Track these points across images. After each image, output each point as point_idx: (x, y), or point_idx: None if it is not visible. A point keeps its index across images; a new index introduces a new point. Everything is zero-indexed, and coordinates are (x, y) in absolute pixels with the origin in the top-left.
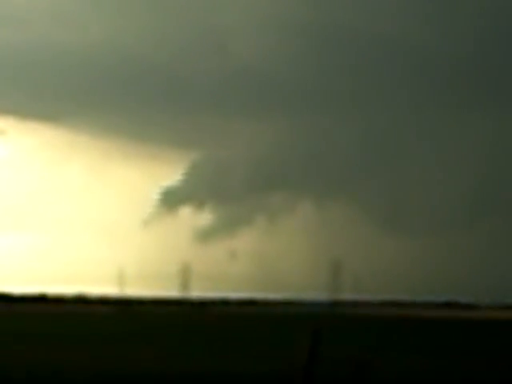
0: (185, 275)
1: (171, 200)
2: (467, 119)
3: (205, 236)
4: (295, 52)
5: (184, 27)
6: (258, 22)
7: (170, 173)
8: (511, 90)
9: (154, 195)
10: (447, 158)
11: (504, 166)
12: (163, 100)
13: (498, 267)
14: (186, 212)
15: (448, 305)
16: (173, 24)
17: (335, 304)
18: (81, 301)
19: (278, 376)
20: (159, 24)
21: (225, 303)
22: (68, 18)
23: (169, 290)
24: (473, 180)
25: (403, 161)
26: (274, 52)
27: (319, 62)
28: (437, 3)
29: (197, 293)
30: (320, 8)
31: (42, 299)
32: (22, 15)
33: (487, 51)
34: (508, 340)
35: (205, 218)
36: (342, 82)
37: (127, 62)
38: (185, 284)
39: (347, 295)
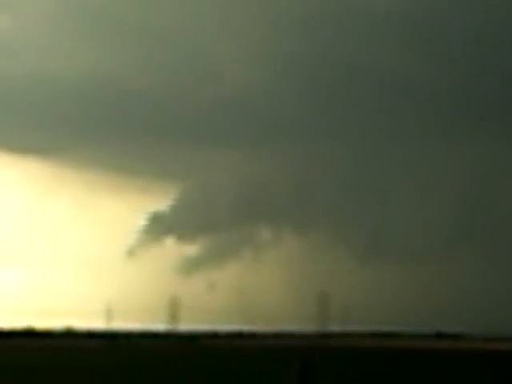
0: (173, 308)
1: (157, 232)
2: (450, 150)
3: (191, 267)
4: (282, 83)
5: (173, 58)
6: (248, 52)
7: (156, 205)
8: (494, 122)
9: (140, 227)
10: (426, 189)
11: (483, 196)
12: (149, 132)
13: (481, 296)
14: (171, 243)
15: (436, 336)
16: (162, 55)
17: (323, 336)
18: (69, 335)
19: None
20: (148, 56)
21: (213, 336)
22: (57, 50)
23: (156, 323)
24: (452, 209)
25: (384, 193)
26: (262, 83)
27: (305, 94)
28: (423, 34)
29: (184, 325)
30: (308, 41)
31: (29, 333)
32: (9, 46)
33: (472, 81)
34: (495, 370)
35: (190, 249)
36: (327, 113)
37: (113, 95)
38: (173, 317)
39: (334, 327)
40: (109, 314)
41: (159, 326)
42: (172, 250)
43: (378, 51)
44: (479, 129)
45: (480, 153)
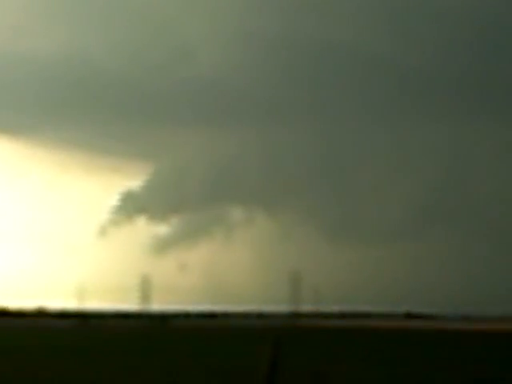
0: (144, 288)
1: (129, 211)
2: (421, 132)
3: (162, 247)
4: (254, 62)
5: (146, 38)
6: (222, 31)
7: (128, 184)
8: (469, 100)
9: (112, 207)
10: (399, 168)
11: (456, 174)
12: (121, 112)
13: (452, 276)
14: (143, 223)
15: (406, 316)
16: (135, 35)
17: (294, 316)
18: (40, 314)
19: None
20: (121, 35)
21: (185, 316)
22: (28, 29)
23: (128, 303)
24: (425, 188)
25: (357, 172)
26: (234, 62)
27: (278, 73)
28: (399, 16)
29: (156, 305)
30: (287, 21)
31: (2, 313)
32: None
33: (450, 59)
34: (465, 350)
35: (162, 229)
36: (300, 92)
37: (87, 75)
38: (145, 297)
39: (306, 307)
40: (81, 293)
41: (131, 305)
42: (144, 229)
43: (356, 29)
44: (454, 107)
45: (455, 130)
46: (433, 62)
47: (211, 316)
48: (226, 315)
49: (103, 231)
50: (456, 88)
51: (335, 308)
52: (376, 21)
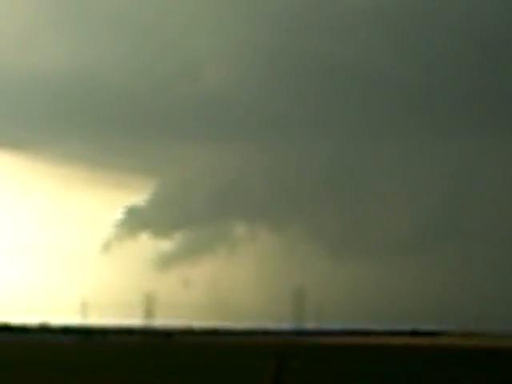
0: (148, 304)
1: (132, 227)
2: (431, 145)
3: (166, 263)
4: (259, 79)
5: (151, 53)
6: (226, 47)
7: (132, 200)
8: (477, 116)
9: (116, 222)
10: (404, 184)
11: (464, 191)
12: (126, 127)
13: (458, 293)
14: (146, 239)
15: (412, 333)
16: (139, 50)
17: (298, 333)
18: (44, 330)
19: None
20: (126, 50)
21: (188, 332)
22: (33, 43)
23: (132, 319)
24: (431, 205)
25: (361, 188)
26: (239, 78)
27: (283, 90)
28: (405, 32)
29: (160, 321)
30: (289, 35)
31: (4, 328)
32: None
33: (455, 75)
34: (472, 367)
35: (166, 245)
36: (305, 108)
37: (90, 89)
38: (148, 312)
39: (310, 324)
40: (84, 309)
41: (134, 321)
42: (147, 245)
43: (360, 46)
44: (463, 123)
45: (462, 147)
46: (440, 78)
47: (215, 332)
48: (229, 332)
49: (107, 246)
50: (462, 102)
51: (339, 325)
52: (380, 36)
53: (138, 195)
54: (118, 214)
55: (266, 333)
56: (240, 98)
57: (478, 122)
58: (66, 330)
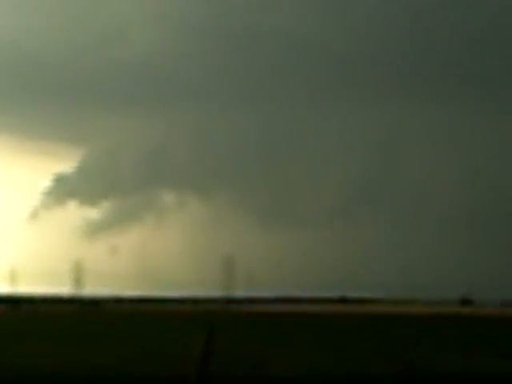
0: (76, 272)
1: (60, 195)
2: (357, 112)
3: (94, 231)
4: (185, 44)
5: (75, 19)
6: (152, 13)
7: (60, 168)
8: (403, 85)
9: (43, 190)
10: (331, 151)
11: (388, 158)
12: (52, 95)
13: (385, 259)
14: (74, 207)
15: (340, 300)
16: (63, 16)
17: (228, 301)
18: None
19: (173, 374)
20: (49, 17)
21: (118, 301)
22: None
23: (60, 287)
24: (356, 171)
25: (289, 155)
26: (165, 44)
27: (210, 56)
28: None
29: (88, 290)
30: (215, 2)
31: None
32: None
33: (383, 46)
34: (396, 332)
35: (93, 213)
36: (233, 75)
37: (14, 59)
38: (77, 281)
39: (239, 292)
40: (12, 277)
41: (63, 289)
42: (75, 213)
43: (288, 14)
44: (387, 92)
45: (384, 112)
46: (363, 46)
47: (144, 301)
48: (158, 300)
49: (34, 215)
50: (391, 72)
51: (268, 293)
52: (308, 6)
53: (65, 164)
54: (46, 182)
55: (195, 301)
56: (166, 66)
57: (397, 92)
58: None
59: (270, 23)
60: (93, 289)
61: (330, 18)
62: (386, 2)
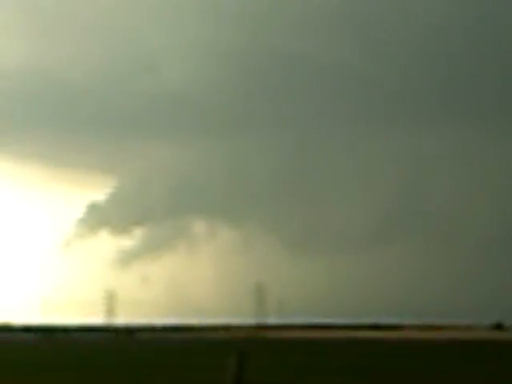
0: (109, 301)
1: (93, 224)
2: (385, 141)
3: (126, 260)
4: (216, 76)
5: (109, 50)
6: (184, 45)
7: (92, 197)
8: (427, 113)
9: (76, 220)
10: (361, 179)
11: (417, 187)
12: (85, 125)
13: (415, 286)
14: (107, 235)
15: (372, 327)
16: (97, 47)
17: (259, 328)
18: (5, 329)
19: None
20: (85, 48)
21: (150, 329)
22: None
23: (93, 317)
24: (388, 198)
25: (318, 183)
26: (196, 75)
27: (240, 86)
28: (360, 22)
29: (121, 319)
30: (244, 33)
31: None
32: None
33: (400, 72)
34: (431, 359)
35: (125, 242)
36: (262, 104)
37: (48, 87)
38: (109, 310)
39: (271, 319)
40: (45, 308)
41: (95, 319)
42: (107, 242)
43: (319, 40)
44: (415, 118)
45: (414, 140)
46: (386, 74)
47: (176, 329)
48: (190, 328)
49: (67, 244)
50: (409, 100)
51: (300, 319)
52: (339, 32)
53: (98, 192)
54: (78, 212)
55: (227, 328)
56: (199, 94)
57: (430, 117)
58: (28, 329)
59: (303, 49)
60: (125, 318)
61: (360, 43)
62: (421, 31)
